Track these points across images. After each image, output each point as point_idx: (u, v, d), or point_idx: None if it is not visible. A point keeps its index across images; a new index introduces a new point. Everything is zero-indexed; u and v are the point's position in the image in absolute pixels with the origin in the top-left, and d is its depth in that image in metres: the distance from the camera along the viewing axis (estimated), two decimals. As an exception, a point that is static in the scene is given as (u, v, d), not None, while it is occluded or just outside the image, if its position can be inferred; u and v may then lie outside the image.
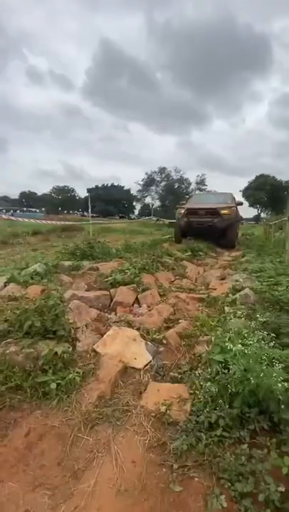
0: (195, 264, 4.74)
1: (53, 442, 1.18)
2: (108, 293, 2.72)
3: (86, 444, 1.17)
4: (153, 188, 44.01)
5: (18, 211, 44.86)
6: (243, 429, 1.13)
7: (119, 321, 2.20)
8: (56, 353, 1.60)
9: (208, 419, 1.18)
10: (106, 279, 3.12)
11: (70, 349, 1.73)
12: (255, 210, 52.17)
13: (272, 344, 1.40)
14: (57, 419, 1.29)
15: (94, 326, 2.07)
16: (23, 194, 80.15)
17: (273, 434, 1.12)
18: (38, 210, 54.36)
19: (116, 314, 2.36)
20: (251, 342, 1.34)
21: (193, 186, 42.26)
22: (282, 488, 0.88)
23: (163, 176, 42.78)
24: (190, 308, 2.58)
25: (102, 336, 1.94)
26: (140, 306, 2.55)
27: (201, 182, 41.81)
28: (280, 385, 1.06)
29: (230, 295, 2.78)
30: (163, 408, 1.31)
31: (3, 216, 6.48)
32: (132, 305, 2.56)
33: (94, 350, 1.79)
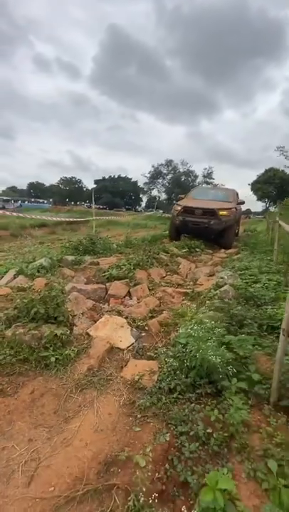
0: (190, 261, 5.07)
1: (51, 399, 1.57)
2: (104, 286, 3.10)
3: (76, 401, 1.56)
4: (160, 180, 43.92)
5: (26, 202, 45.49)
6: (193, 393, 1.50)
7: (111, 310, 2.58)
8: (56, 334, 1.99)
9: (168, 386, 1.55)
10: (103, 274, 3.50)
11: (68, 332, 2.12)
12: (264, 203, 51.55)
13: (224, 331, 1.74)
14: (55, 383, 1.68)
15: (89, 314, 2.46)
16: (31, 185, 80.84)
17: (215, 397, 1.48)
18: (45, 201, 54.87)
19: (109, 305, 2.74)
20: (206, 328, 1.69)
21: (200, 179, 41.97)
22: (209, 430, 1.25)
23: (170, 168, 42.64)
24: (174, 301, 2.94)
25: (96, 322, 2.32)
26: (131, 299, 2.92)
27: (209, 175, 41.53)
28: (213, 358, 1.42)
29: (212, 290, 3.12)
30: (137, 378, 1.68)
31: (8, 213, 6.79)
32: (124, 297, 2.94)
33: (87, 334, 2.17)
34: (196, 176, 42.96)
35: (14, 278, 3.49)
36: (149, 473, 1.07)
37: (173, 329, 2.27)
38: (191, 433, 1.23)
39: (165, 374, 1.63)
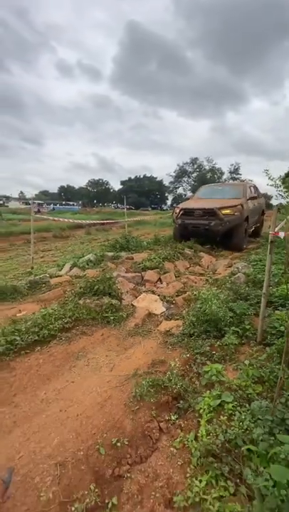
0: (211, 255, 5.79)
1: (113, 339, 2.47)
2: (140, 274, 3.99)
3: (129, 341, 2.45)
4: (185, 179, 44.14)
5: (57, 205, 48.37)
6: (205, 335, 2.31)
7: (147, 290, 3.45)
8: (112, 303, 2.91)
9: (189, 332, 2.37)
10: (139, 265, 4.39)
11: (119, 303, 3.03)
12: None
13: (229, 300, 2.53)
14: (114, 331, 2.58)
15: (131, 292, 3.36)
16: (61, 188, 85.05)
17: (219, 337, 2.27)
18: (75, 204, 57.69)
19: (145, 287, 3.62)
20: (217, 298, 2.49)
21: (226, 176, 41.50)
22: (213, 352, 2.06)
23: (195, 166, 42.69)
24: (196, 285, 3.74)
25: (136, 297, 3.21)
26: (161, 283, 3.77)
27: (235, 171, 40.89)
28: (219, 313, 2.21)
29: (227, 277, 3.86)
30: (167, 329, 2.53)
31: (50, 218, 7.90)
32: (156, 282, 3.80)
33: (132, 304, 3.07)
34: (222, 173, 42.60)
35: (70, 269, 4.52)
36: (177, 369, 1.91)
37: (193, 303, 3.08)
38: (201, 352, 2.05)
39: (187, 325, 2.46)
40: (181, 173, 44.00)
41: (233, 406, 1.41)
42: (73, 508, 1.05)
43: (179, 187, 46.36)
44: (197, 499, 1.01)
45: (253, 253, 5.75)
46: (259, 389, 1.56)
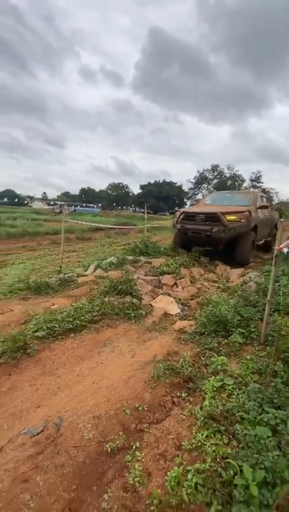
0: (226, 264, 6.06)
1: (134, 333, 2.87)
2: (158, 278, 4.37)
3: (147, 335, 2.83)
4: (205, 185, 44.19)
5: (78, 206, 49.97)
6: (215, 334, 2.64)
7: (164, 293, 3.82)
8: (133, 302, 3.31)
9: (200, 331, 2.72)
10: (157, 270, 4.78)
11: (139, 302, 3.43)
12: None
13: (238, 305, 2.85)
14: (135, 326, 2.97)
15: (150, 294, 3.75)
16: (82, 190, 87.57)
17: (226, 336, 2.60)
18: (95, 206, 59.25)
19: (162, 290, 3.99)
20: (227, 304, 2.82)
21: (247, 183, 41.10)
22: (220, 348, 2.39)
23: (215, 173, 42.60)
24: (209, 291, 4.06)
25: (154, 298, 3.59)
26: (177, 287, 4.13)
27: (257, 179, 40.41)
28: (228, 316, 2.55)
29: (239, 285, 4.15)
30: (181, 327, 2.88)
31: (64, 218, 8.46)
32: (172, 286, 4.16)
33: (150, 304, 3.45)
34: (243, 180, 42.24)
35: (95, 270, 4.99)
36: (188, 358, 2.26)
37: (206, 306, 3.41)
38: (210, 347, 2.40)
39: (198, 325, 2.80)
40: (201, 180, 44.11)
41: (232, 387, 1.75)
42: (107, 446, 1.44)
43: (198, 193, 46.46)
44: (199, 444, 1.36)
45: (268, 263, 5.96)
46: (256, 377, 1.88)
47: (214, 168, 42.85)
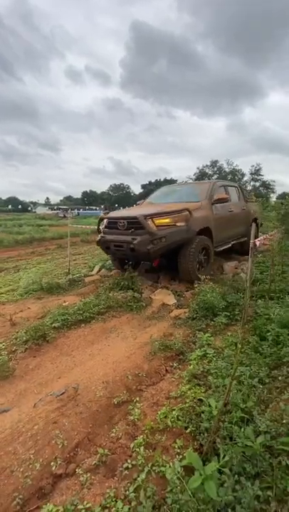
0: (221, 257, 6.46)
1: (136, 321, 3.32)
2: (157, 274, 4.81)
3: (147, 323, 3.27)
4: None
5: (81, 210, 50.66)
6: (204, 318, 3.07)
7: (162, 287, 4.27)
8: (134, 296, 3.76)
9: (192, 316, 3.15)
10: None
11: (140, 295, 3.88)
12: None
13: (225, 292, 3.28)
14: (136, 316, 3.42)
15: (150, 288, 4.19)
16: (84, 193, 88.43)
17: (213, 319, 3.03)
18: (97, 208, 59.84)
19: (160, 284, 4.43)
20: (216, 292, 3.25)
21: (247, 177, 41.11)
22: (207, 329, 2.83)
23: (215, 169, 42.71)
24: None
25: (154, 292, 4.04)
26: (175, 281, 4.57)
27: (256, 172, 40.37)
28: (215, 302, 2.98)
29: (230, 276, 4.57)
30: (177, 315, 3.32)
31: (69, 223, 8.91)
32: (170, 280, 4.60)
33: (150, 297, 3.90)
34: (243, 174, 42.24)
35: (100, 270, 5.46)
36: (180, 338, 2.70)
37: (198, 295, 3.85)
38: (199, 328, 2.83)
39: (191, 312, 3.24)
40: (201, 176, 44.23)
41: (212, 355, 2.19)
42: (114, 400, 1.90)
43: (199, 189, 46.53)
44: (182, 393, 1.81)
45: (261, 256, 6.35)
46: (233, 348, 2.31)
47: (213, 163, 42.98)
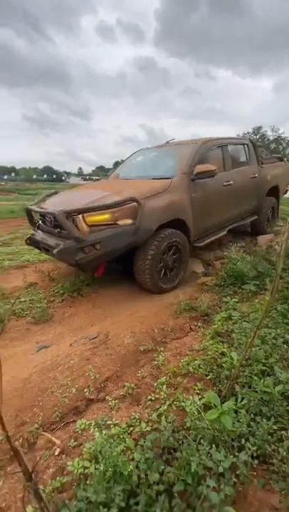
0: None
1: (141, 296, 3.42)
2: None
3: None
4: (245, 151, 40.85)
5: (113, 180, 50.42)
6: (232, 286, 3.07)
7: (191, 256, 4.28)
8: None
9: (220, 283, 3.16)
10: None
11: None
12: None
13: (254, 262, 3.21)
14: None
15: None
16: (116, 163, 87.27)
17: (241, 286, 3.02)
18: (129, 179, 58.85)
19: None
20: (245, 260, 3.20)
21: (293, 147, 37.10)
22: (234, 296, 2.84)
23: (258, 136, 39.02)
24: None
25: (182, 259, 4.08)
26: (205, 251, 4.54)
27: (306, 140, 36.16)
28: (244, 270, 2.94)
29: (264, 248, 4.41)
30: (204, 282, 3.36)
31: None
32: (200, 250, 4.57)
33: (178, 264, 3.96)
34: (288, 143, 38.15)
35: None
36: (206, 300, 2.75)
37: (227, 264, 3.81)
38: (229, 283, 2.87)
39: (219, 279, 3.25)
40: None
41: (237, 318, 2.23)
42: (141, 347, 2.06)
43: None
44: (205, 347, 1.91)
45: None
46: (259, 313, 2.32)
47: (256, 130, 39.22)
